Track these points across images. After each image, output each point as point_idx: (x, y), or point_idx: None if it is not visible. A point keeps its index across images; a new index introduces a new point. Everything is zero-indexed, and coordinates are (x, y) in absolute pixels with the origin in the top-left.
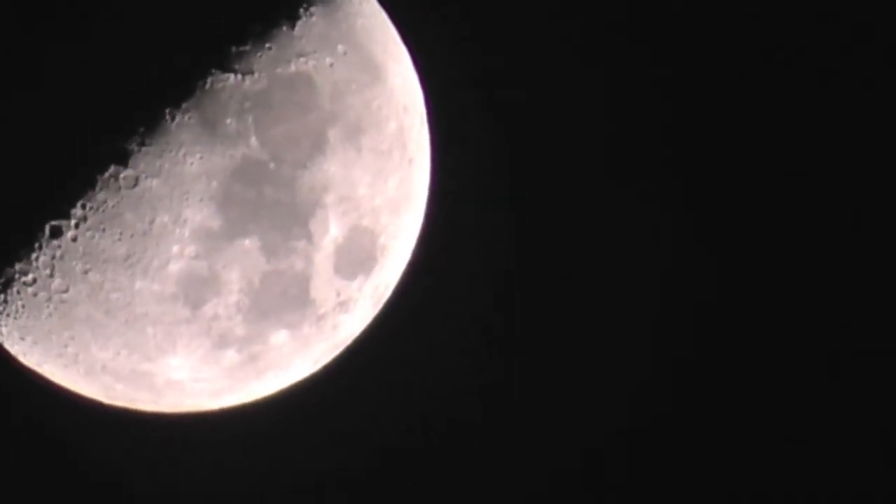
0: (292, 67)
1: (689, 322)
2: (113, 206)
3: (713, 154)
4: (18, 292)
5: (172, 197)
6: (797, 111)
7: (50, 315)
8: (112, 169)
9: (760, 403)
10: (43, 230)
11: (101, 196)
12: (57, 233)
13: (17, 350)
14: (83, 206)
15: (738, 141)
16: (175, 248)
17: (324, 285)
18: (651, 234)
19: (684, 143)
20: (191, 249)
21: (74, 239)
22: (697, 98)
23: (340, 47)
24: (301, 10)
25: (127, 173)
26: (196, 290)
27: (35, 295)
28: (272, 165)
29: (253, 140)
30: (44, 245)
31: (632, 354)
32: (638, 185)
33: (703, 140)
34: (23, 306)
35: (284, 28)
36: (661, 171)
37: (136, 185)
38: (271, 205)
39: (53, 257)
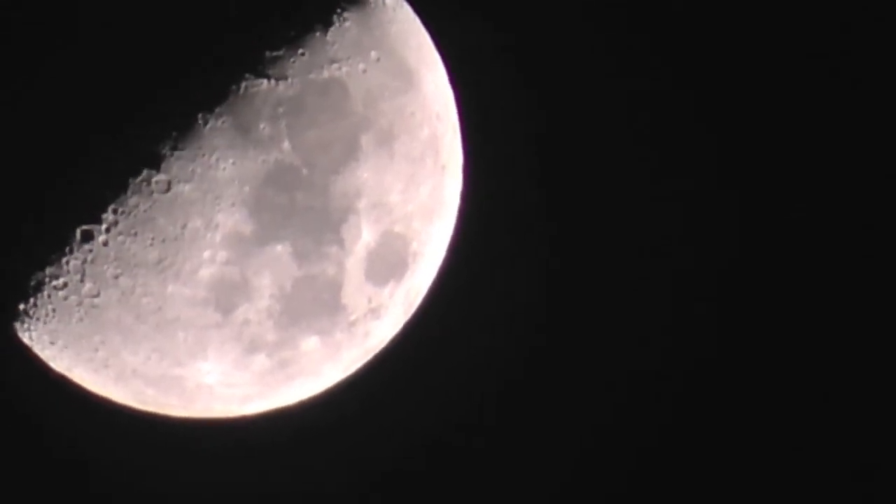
0: (325, 73)
1: (730, 329)
2: (145, 211)
3: (741, 155)
4: (49, 296)
5: (205, 202)
6: (806, 112)
7: (80, 319)
8: (144, 173)
9: (777, 407)
10: (74, 234)
11: (133, 200)
12: (88, 237)
13: (46, 355)
14: (115, 211)
15: (784, 142)
16: (207, 253)
17: (355, 291)
18: (685, 240)
19: (712, 146)
20: (222, 254)
21: (106, 243)
22: (718, 100)
23: (374, 53)
24: (335, 16)
25: (159, 178)
26: (227, 295)
27: (65, 299)
28: (305, 171)
29: (286, 145)
30: (75, 249)
31: (665, 361)
32: (674, 192)
33: (726, 140)
34: (53, 311)
35: (318, 34)
36: (694, 178)
37: (168, 189)
38: (303, 210)
39: (84, 262)
